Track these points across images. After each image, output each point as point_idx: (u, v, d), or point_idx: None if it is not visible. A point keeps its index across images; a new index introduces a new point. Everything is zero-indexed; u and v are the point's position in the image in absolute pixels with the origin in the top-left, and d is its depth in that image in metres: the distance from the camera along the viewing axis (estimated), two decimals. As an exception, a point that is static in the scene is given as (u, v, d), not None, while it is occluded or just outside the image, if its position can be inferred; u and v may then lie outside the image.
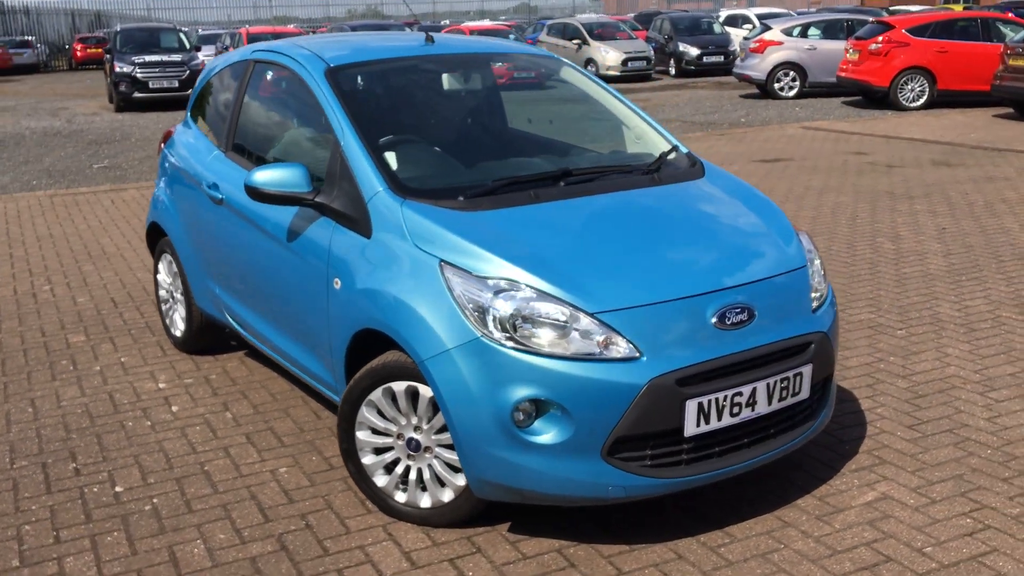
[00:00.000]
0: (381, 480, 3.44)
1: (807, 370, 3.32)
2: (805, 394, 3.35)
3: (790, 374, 3.27)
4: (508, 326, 3.04)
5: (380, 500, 3.46)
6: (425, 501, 3.38)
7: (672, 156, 4.12)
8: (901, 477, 3.71)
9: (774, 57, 19.11)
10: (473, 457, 3.12)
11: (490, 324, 3.05)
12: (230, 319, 4.68)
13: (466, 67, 4.52)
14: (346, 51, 4.21)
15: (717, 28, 27.10)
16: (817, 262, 3.68)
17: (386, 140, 3.91)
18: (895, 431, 4.11)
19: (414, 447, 3.35)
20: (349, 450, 3.47)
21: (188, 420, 4.42)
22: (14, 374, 5.07)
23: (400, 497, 3.42)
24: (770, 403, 3.24)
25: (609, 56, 25.18)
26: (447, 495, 3.33)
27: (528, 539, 3.32)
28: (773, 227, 3.66)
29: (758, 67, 19.27)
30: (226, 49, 24.48)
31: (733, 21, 30.26)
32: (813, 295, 3.52)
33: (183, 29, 25.48)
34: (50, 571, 3.20)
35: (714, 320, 3.16)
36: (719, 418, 3.12)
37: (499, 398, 3.01)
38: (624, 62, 25.06)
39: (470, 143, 4.14)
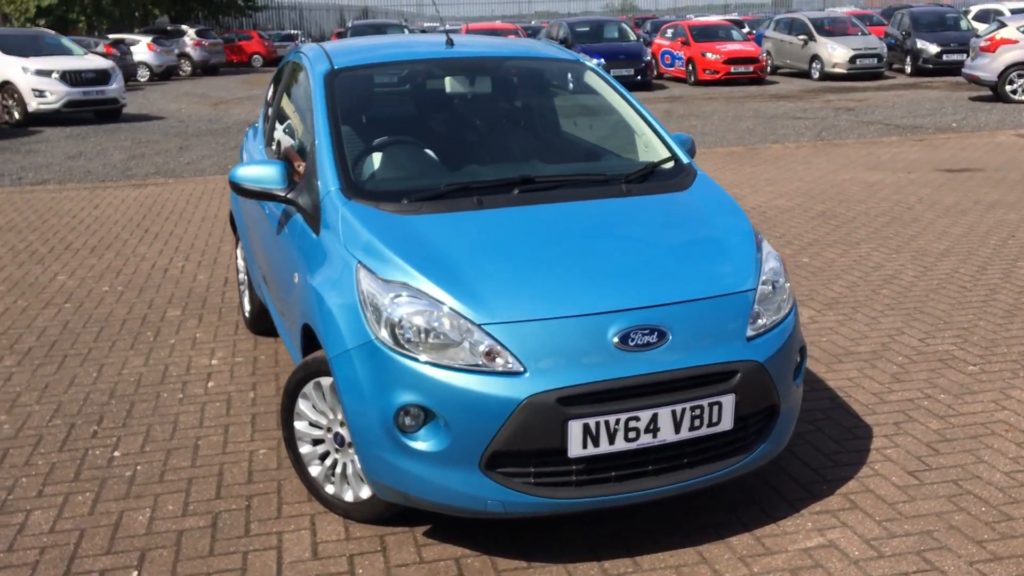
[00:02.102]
0: (315, 470, 3.56)
1: (727, 400, 3.12)
2: (727, 425, 3.14)
3: (704, 403, 3.09)
4: (397, 331, 3.07)
5: (314, 490, 3.59)
6: (348, 495, 3.47)
7: (668, 166, 3.97)
8: (863, 526, 3.40)
9: (1007, 57, 17.46)
10: (365, 457, 3.19)
11: (382, 328, 3.10)
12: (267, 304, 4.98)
13: (475, 71, 4.53)
14: (360, 54, 4.36)
15: (964, 24, 25.08)
16: (781, 288, 3.44)
17: (379, 142, 4.02)
18: (891, 475, 3.76)
19: (339, 442, 3.45)
20: (289, 439, 3.62)
21: (215, 396, 4.75)
22: (103, 340, 5.62)
23: (329, 489, 3.53)
24: (677, 431, 3.07)
25: (836, 53, 23.94)
26: (365, 492, 3.41)
27: (435, 544, 3.34)
28: (727, 248, 3.46)
29: (988, 67, 17.69)
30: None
31: (985, 17, 27.84)
32: (759, 322, 3.29)
33: (409, 26, 26.70)
34: (15, 521, 3.58)
35: (615, 340, 3.04)
36: (611, 442, 3.00)
37: (385, 402, 3.06)
38: (852, 59, 23.73)
39: (456, 147, 4.17)
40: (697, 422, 3.09)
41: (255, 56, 39.80)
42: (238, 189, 3.87)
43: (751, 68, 23.16)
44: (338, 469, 3.50)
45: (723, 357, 3.15)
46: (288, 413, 3.59)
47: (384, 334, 3.08)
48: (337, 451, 3.49)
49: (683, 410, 3.06)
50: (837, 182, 10.19)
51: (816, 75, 24.40)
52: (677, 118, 16.66)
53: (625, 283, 3.19)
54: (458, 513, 3.12)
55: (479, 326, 3.02)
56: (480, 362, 3.00)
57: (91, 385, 4.93)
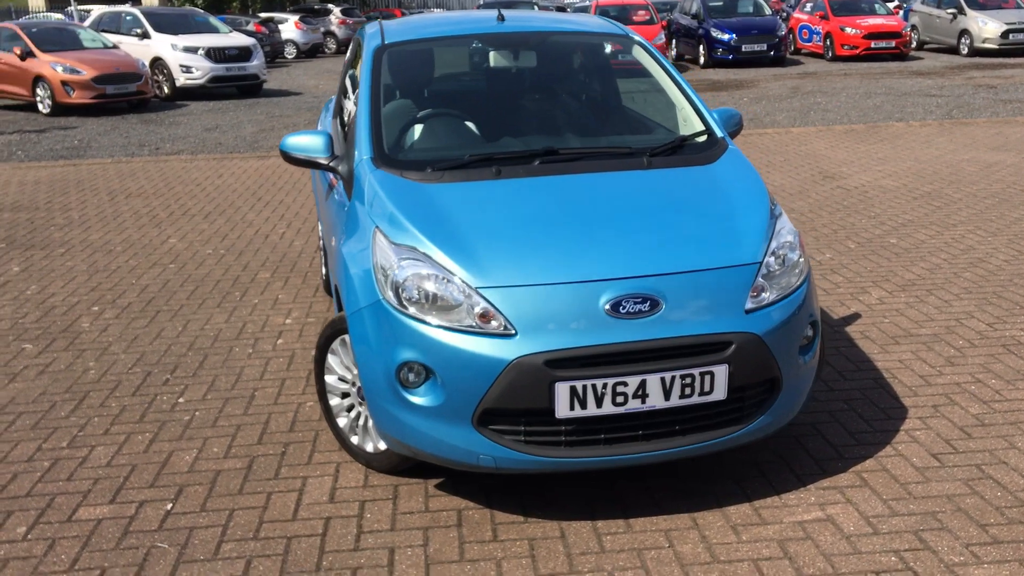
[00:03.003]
0: (342, 422, 3.80)
1: (720, 370, 3.17)
2: (719, 395, 3.19)
3: (695, 372, 3.15)
4: (400, 291, 3.25)
5: (341, 440, 3.82)
6: (369, 446, 3.69)
7: (700, 140, 4.01)
8: (867, 503, 3.39)
9: None
10: (373, 410, 3.39)
11: (388, 288, 3.29)
12: None
13: (521, 45, 4.64)
14: (414, 30, 4.54)
15: None
16: (792, 263, 3.45)
17: (420, 113, 4.21)
18: (912, 456, 3.71)
19: (362, 396, 3.68)
20: (320, 391, 3.86)
21: (280, 352, 5.07)
22: (195, 298, 6.04)
23: (354, 439, 3.76)
24: (667, 398, 3.15)
25: (987, 27, 22.67)
26: (383, 443, 3.63)
27: (442, 496, 3.53)
28: (736, 221, 3.48)
29: None
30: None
31: None
32: (763, 295, 3.31)
33: (539, 2, 26.64)
34: (80, 454, 3.97)
35: (606, 307, 3.14)
36: (598, 405, 3.11)
37: (388, 358, 3.25)
38: (1004, 34, 22.42)
39: (494, 119, 4.29)
40: (688, 390, 3.16)
41: (398, 33, 40.57)
42: (286, 157, 4.13)
43: (893, 43, 22.22)
44: (360, 421, 3.72)
45: (716, 328, 3.20)
46: (320, 367, 3.83)
47: (389, 294, 3.27)
48: (360, 404, 3.71)
49: (672, 378, 3.13)
50: (953, 162, 9.78)
51: (965, 51, 23.19)
52: (803, 95, 16.22)
53: (620, 253, 3.28)
54: (453, 466, 3.29)
55: (475, 289, 3.18)
56: (475, 323, 3.15)
57: (174, 338, 5.34)
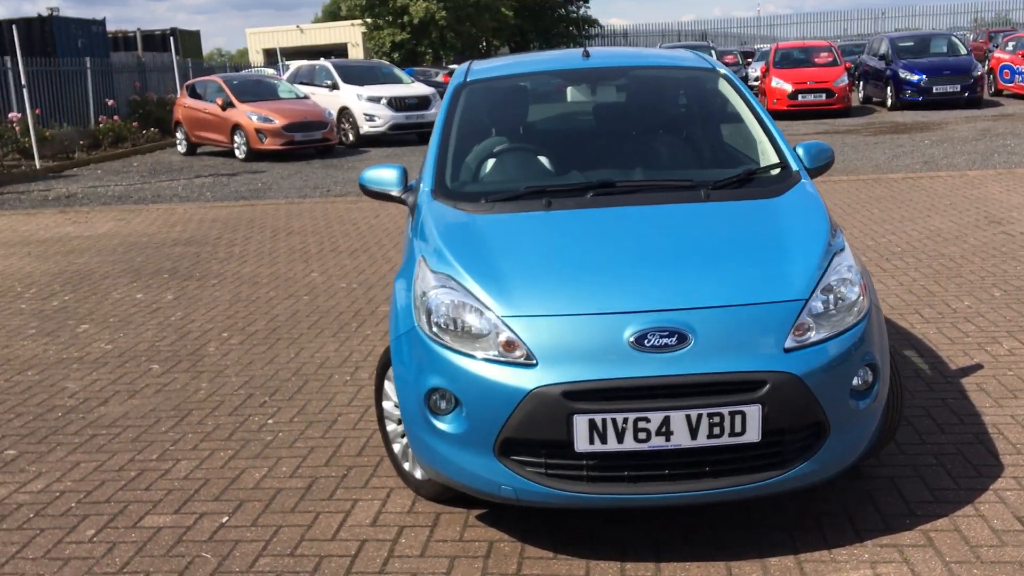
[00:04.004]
0: (396, 447, 3.86)
1: (752, 410, 3.01)
2: (752, 437, 3.03)
3: (724, 411, 3.01)
4: (432, 318, 3.30)
5: (396, 466, 3.89)
6: (419, 473, 3.74)
7: (773, 173, 3.88)
8: (925, 565, 3.12)
9: None
10: (408, 434, 3.44)
11: (422, 315, 3.34)
12: None
13: (602, 80, 4.61)
14: (500, 69, 4.63)
15: None
16: (849, 302, 3.25)
17: (493, 147, 4.28)
18: (994, 518, 3.38)
19: (409, 421, 3.73)
20: (379, 417, 3.95)
21: (372, 383, 5.21)
22: (315, 328, 6.32)
23: (406, 465, 3.81)
24: (694, 437, 3.02)
25: None
26: (430, 471, 3.66)
27: (480, 527, 3.52)
28: (787, 257, 3.33)
29: None
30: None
31: None
32: (808, 334, 3.13)
33: (715, 47, 26.36)
34: (165, 467, 4.21)
35: (631, 340, 3.06)
36: (619, 440, 3.02)
37: (419, 383, 3.30)
38: None
39: (566, 153, 4.28)
40: (717, 430, 3.02)
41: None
42: (363, 189, 4.29)
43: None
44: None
45: (749, 366, 3.05)
46: (379, 393, 3.92)
47: (423, 321, 3.33)
48: (410, 431, 3.76)
49: (699, 416, 3.01)
50: None
51: None
52: (992, 137, 15.21)
53: (649, 285, 3.19)
54: (477, 495, 3.28)
55: (501, 318, 3.18)
56: (499, 352, 3.15)
57: (284, 364, 5.60)
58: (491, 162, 4.23)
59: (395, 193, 4.19)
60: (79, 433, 4.67)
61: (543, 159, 4.24)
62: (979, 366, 4.93)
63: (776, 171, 3.91)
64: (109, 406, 5.03)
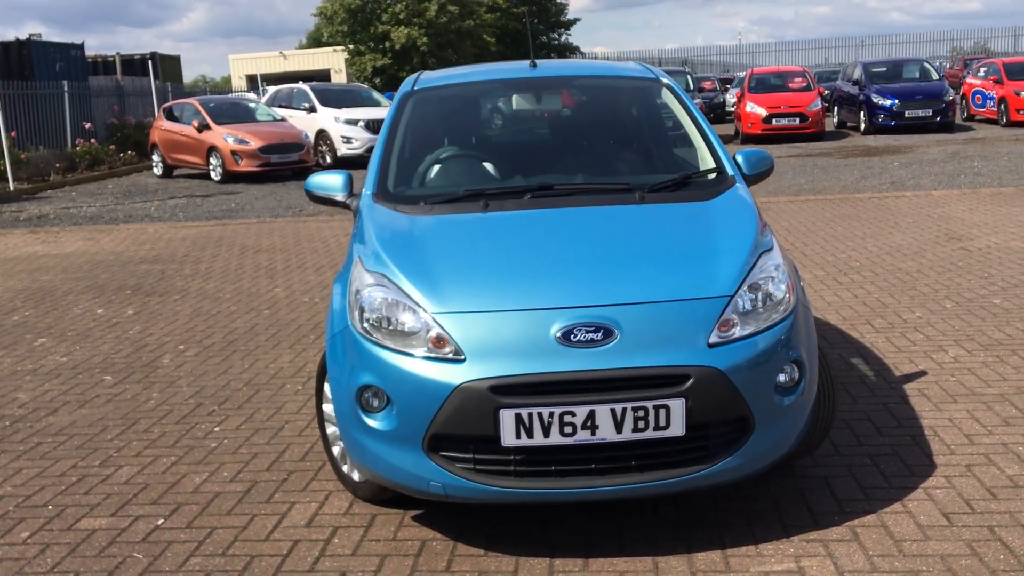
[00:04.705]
0: (335, 450, 3.87)
1: (676, 404, 3.04)
2: (677, 431, 3.06)
3: (648, 405, 3.04)
4: (364, 316, 3.33)
5: (335, 468, 3.89)
6: (356, 475, 3.74)
7: (710, 177, 3.94)
8: (849, 559, 3.15)
9: None
10: (342, 434, 3.46)
11: (356, 313, 3.37)
12: None
13: (547, 89, 4.67)
14: (448, 78, 4.69)
15: None
16: (776, 300, 3.30)
17: (436, 152, 4.33)
18: (921, 515, 3.42)
19: (348, 422, 3.74)
20: (320, 420, 3.96)
21: (326, 391, 5.22)
22: (272, 340, 6.31)
23: (344, 468, 3.82)
24: (619, 431, 3.05)
25: None
26: (366, 473, 3.67)
27: (414, 527, 3.53)
28: (713, 255, 3.38)
29: None
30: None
31: None
32: (733, 331, 3.18)
33: (692, 73, 26.44)
34: (107, 472, 4.21)
35: (558, 335, 3.10)
36: (545, 435, 3.05)
37: (350, 381, 3.32)
38: None
39: (509, 158, 4.33)
40: (641, 424, 3.05)
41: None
42: (309, 195, 4.32)
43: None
44: (350, 450, 3.78)
45: (673, 360, 3.09)
46: (319, 396, 3.94)
47: (356, 319, 3.35)
48: (349, 433, 3.77)
49: (624, 410, 3.04)
50: (1101, 224, 9.02)
51: None
52: (960, 159, 15.40)
53: (576, 282, 3.24)
54: (406, 492, 3.29)
55: (432, 315, 3.21)
56: (428, 348, 3.17)
57: (237, 375, 5.60)
58: (435, 168, 4.28)
59: (339, 198, 4.23)
60: (24, 441, 4.65)
61: (487, 165, 4.29)
62: (923, 372, 4.98)
63: (712, 176, 3.97)
64: (58, 415, 5.02)
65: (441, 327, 3.17)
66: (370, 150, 19.89)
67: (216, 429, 4.70)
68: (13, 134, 17.95)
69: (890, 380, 4.90)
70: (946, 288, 6.80)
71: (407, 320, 3.25)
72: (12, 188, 16.66)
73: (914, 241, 8.69)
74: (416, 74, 4.97)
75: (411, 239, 3.58)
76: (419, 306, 3.25)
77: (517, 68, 4.85)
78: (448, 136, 4.56)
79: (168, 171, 19.35)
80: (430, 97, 4.61)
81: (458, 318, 3.18)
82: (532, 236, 3.55)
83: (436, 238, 3.57)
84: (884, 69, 22.45)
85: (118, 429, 4.76)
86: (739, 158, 4.19)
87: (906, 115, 20.66)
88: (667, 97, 4.57)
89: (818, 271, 7.56)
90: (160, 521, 3.69)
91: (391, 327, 3.27)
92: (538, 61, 4.75)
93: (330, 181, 4.27)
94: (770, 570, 3.11)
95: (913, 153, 16.91)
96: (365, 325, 3.32)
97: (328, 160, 19.75)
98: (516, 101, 4.71)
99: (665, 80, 4.65)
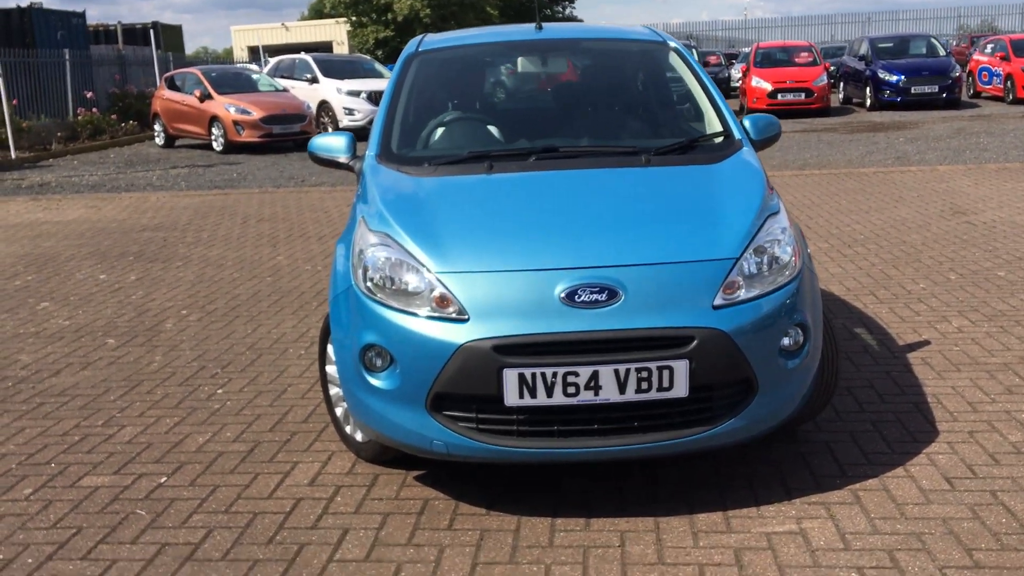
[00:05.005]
0: (339, 411, 3.87)
1: (680, 365, 3.04)
2: (680, 392, 3.06)
3: (652, 366, 3.03)
4: (368, 275, 3.31)
5: (338, 429, 3.90)
6: (359, 435, 3.74)
7: (716, 141, 3.92)
8: (851, 520, 3.15)
9: None
10: (345, 392, 3.45)
11: (359, 273, 3.36)
12: None
13: (552, 51, 4.64)
14: (453, 39, 4.65)
15: None
16: (782, 264, 3.29)
17: (442, 114, 4.30)
18: (923, 479, 3.42)
19: (352, 383, 3.74)
20: (323, 381, 3.96)
21: (329, 355, 5.22)
22: (275, 307, 6.30)
23: (347, 428, 3.82)
24: (622, 392, 3.04)
25: None
26: (369, 433, 3.67)
27: (416, 487, 3.53)
28: (719, 217, 3.36)
29: None
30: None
31: None
32: (738, 293, 3.16)
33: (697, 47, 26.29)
34: (109, 432, 4.21)
35: (562, 296, 3.08)
36: (548, 394, 3.04)
37: (354, 341, 3.31)
38: None
39: (513, 121, 4.31)
40: (644, 385, 3.05)
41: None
42: (312, 157, 4.30)
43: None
44: (353, 411, 3.78)
45: (678, 322, 3.07)
46: (322, 358, 3.93)
47: (360, 279, 3.34)
48: (352, 393, 3.77)
49: (627, 371, 3.03)
50: (1107, 200, 8.98)
51: None
52: (966, 135, 15.32)
53: (581, 243, 3.22)
54: (409, 451, 3.29)
55: (436, 275, 3.20)
56: (432, 308, 3.16)
57: (240, 339, 5.60)
58: (439, 130, 4.25)
59: (343, 160, 4.21)
60: (27, 401, 4.66)
61: (491, 127, 4.26)
62: (926, 342, 4.97)
63: (719, 139, 3.94)
64: (60, 377, 5.02)
65: (445, 287, 3.16)
66: (372, 122, 19.82)
67: (219, 391, 4.70)
68: (15, 102, 17.88)
69: (893, 349, 4.89)
70: (950, 261, 6.78)
71: (411, 280, 3.24)
72: (14, 156, 16.62)
73: (919, 215, 8.66)
74: (420, 36, 4.93)
75: (415, 200, 3.56)
76: (423, 266, 3.23)
77: (522, 30, 4.81)
78: (452, 98, 4.53)
79: (170, 141, 19.29)
80: (434, 59, 4.57)
81: (462, 278, 3.17)
82: (536, 198, 3.54)
83: (440, 199, 3.55)
84: (891, 45, 22.31)
85: (121, 390, 4.76)
86: (747, 123, 4.16)
87: (912, 91, 20.54)
88: (674, 60, 4.53)
89: (822, 243, 7.54)
90: (163, 479, 3.70)
91: (395, 287, 3.26)
92: (544, 24, 4.71)
93: (334, 143, 4.24)
94: (772, 531, 3.11)
95: (919, 129, 16.83)
96: (369, 285, 3.31)
97: (330, 131, 19.66)
98: (521, 63, 4.67)
99: (672, 43, 4.60)
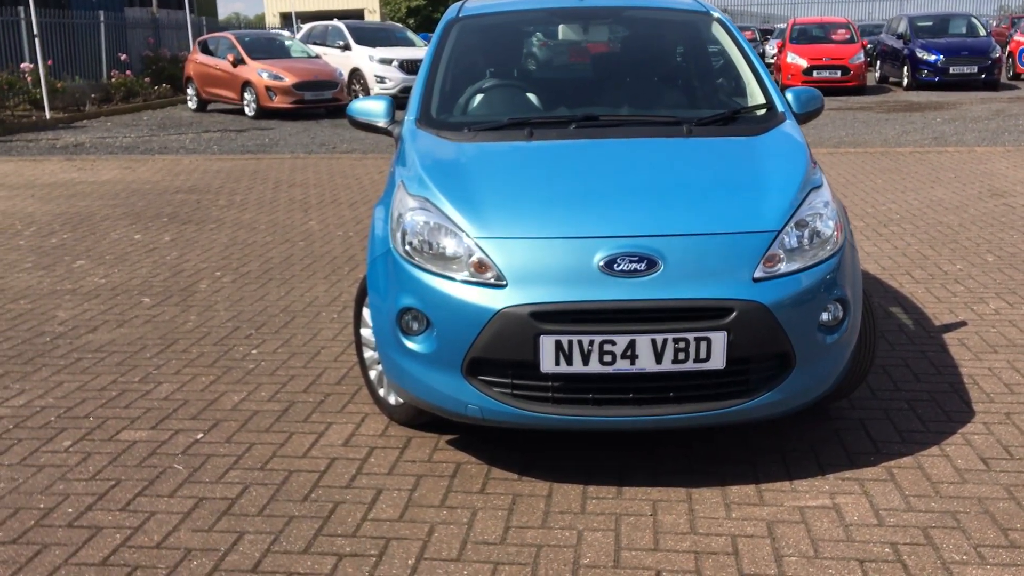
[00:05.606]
0: (373, 374, 3.89)
1: (718, 337, 3.03)
2: (717, 363, 3.05)
3: (690, 336, 3.03)
4: (406, 239, 3.32)
5: (372, 391, 3.92)
6: (392, 398, 3.77)
7: (759, 113, 3.88)
8: (885, 497, 3.14)
9: None
10: (381, 355, 3.48)
11: (398, 237, 3.36)
12: None
13: (594, 19, 4.60)
14: (492, 4, 4.62)
15: None
16: (823, 237, 3.26)
17: (482, 80, 4.29)
18: (958, 458, 3.41)
19: (386, 345, 3.76)
20: (357, 344, 3.98)
21: (361, 320, 5.24)
22: (308, 271, 6.33)
23: (381, 391, 3.85)
24: (659, 362, 3.04)
25: None
26: (402, 395, 3.69)
27: (449, 450, 3.56)
28: (762, 190, 3.34)
29: None
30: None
31: None
32: (779, 266, 3.14)
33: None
34: (146, 388, 4.27)
35: (601, 264, 3.08)
36: (585, 362, 3.04)
37: (391, 304, 3.33)
38: None
39: (554, 88, 4.29)
40: (682, 355, 3.04)
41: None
42: (351, 121, 4.30)
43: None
44: (387, 374, 3.81)
45: (717, 293, 3.06)
46: (357, 320, 3.95)
47: (398, 242, 3.35)
48: (386, 356, 3.79)
49: (664, 341, 3.03)
50: None
51: None
52: (1005, 117, 15.08)
53: (621, 212, 3.21)
54: (444, 414, 3.31)
55: (475, 240, 3.20)
56: (470, 273, 3.17)
57: (274, 302, 5.64)
58: (479, 96, 4.24)
59: (382, 124, 4.21)
60: (65, 356, 4.72)
61: (531, 95, 4.24)
62: (963, 323, 4.93)
63: (762, 112, 3.90)
64: (97, 333, 5.08)
65: (483, 252, 3.17)
66: (404, 90, 19.81)
67: (253, 351, 4.74)
68: (50, 62, 18.00)
69: (929, 329, 4.85)
70: (988, 243, 6.70)
71: (449, 244, 3.25)
72: (48, 116, 16.74)
73: (956, 196, 8.55)
74: (461, 1, 4.90)
75: (454, 165, 3.56)
76: (461, 231, 3.24)
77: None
78: (492, 64, 4.51)
79: (202, 105, 19.34)
80: (475, 25, 4.54)
81: (500, 244, 3.17)
82: (576, 165, 3.52)
83: (480, 164, 3.55)
84: (930, 23, 21.94)
85: (157, 348, 4.81)
86: (789, 95, 4.12)
87: (950, 71, 20.22)
88: (718, 31, 4.48)
89: (858, 222, 7.47)
90: (199, 436, 3.74)
91: (433, 251, 3.27)
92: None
93: (372, 107, 4.24)
94: (805, 505, 3.11)
95: (956, 110, 16.59)
96: (407, 248, 3.32)
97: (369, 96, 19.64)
98: (563, 31, 4.64)
99: (716, 14, 4.55)
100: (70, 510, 3.17)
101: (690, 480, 3.29)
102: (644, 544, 2.90)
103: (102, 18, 21.52)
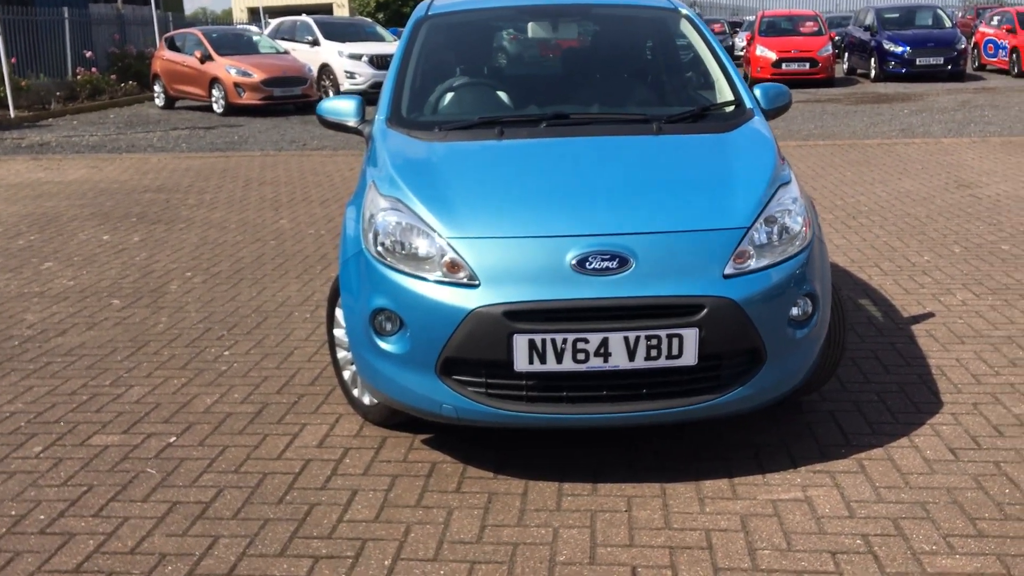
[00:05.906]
0: (346, 374, 3.89)
1: (689, 333, 3.05)
2: (689, 360, 3.08)
3: (661, 333, 3.05)
4: (378, 240, 3.32)
5: (345, 392, 3.92)
6: (367, 399, 3.76)
7: (728, 110, 3.90)
8: (855, 489, 3.18)
9: None
10: (354, 356, 3.47)
11: (370, 237, 3.36)
12: None
13: (562, 17, 4.61)
14: (461, 2, 4.62)
15: None
16: (792, 233, 3.30)
17: (451, 79, 4.28)
18: (927, 449, 3.46)
19: (360, 346, 3.75)
20: (331, 344, 3.97)
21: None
22: (279, 270, 6.31)
23: (355, 392, 3.84)
24: (632, 359, 3.06)
25: None
26: (377, 396, 3.69)
27: (424, 450, 3.56)
28: (730, 186, 3.37)
29: None
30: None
31: None
32: (748, 262, 3.17)
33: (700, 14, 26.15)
34: (118, 391, 4.23)
35: (573, 263, 3.09)
36: (558, 361, 3.06)
37: (364, 305, 3.32)
38: None
39: (523, 87, 4.29)
40: (654, 352, 3.06)
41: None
42: (321, 120, 4.28)
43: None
44: (361, 374, 3.80)
45: (688, 290, 3.09)
46: (331, 321, 3.94)
47: (370, 243, 3.35)
48: (360, 357, 3.79)
49: (637, 338, 3.04)
50: (1111, 175, 8.97)
51: None
52: (970, 108, 15.27)
53: (592, 210, 3.23)
54: (418, 414, 3.31)
55: (447, 240, 3.20)
56: (443, 273, 3.17)
57: (245, 302, 5.61)
58: (449, 95, 4.23)
59: (352, 124, 4.19)
60: (34, 360, 4.68)
61: (501, 93, 4.25)
62: (931, 314, 4.99)
63: (731, 108, 3.93)
64: (66, 336, 5.04)
65: (456, 252, 3.17)
66: (374, 86, 19.73)
67: (226, 353, 4.72)
68: (13, 60, 17.75)
69: (897, 321, 4.91)
70: (955, 233, 6.79)
71: (421, 245, 3.25)
72: (13, 115, 16.52)
73: (923, 187, 8.65)
74: (440, 2, 4.90)
75: (426, 164, 3.56)
76: (433, 231, 3.24)
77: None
78: (462, 63, 4.51)
79: (170, 102, 19.16)
80: (444, 23, 4.54)
81: (473, 243, 3.17)
82: (547, 164, 3.53)
83: (451, 164, 3.55)
84: (896, 15, 22.15)
85: (128, 351, 4.78)
86: (757, 92, 4.15)
87: (917, 63, 20.43)
88: (686, 28, 4.50)
89: (827, 215, 7.54)
90: (172, 439, 3.72)
91: (405, 251, 3.27)
92: (556, -13, 4.68)
93: (342, 106, 4.23)
94: (777, 498, 3.15)
95: (923, 101, 16.76)
96: (379, 249, 3.31)
97: (331, 95, 19.56)
98: (532, 29, 4.64)
99: (684, 11, 4.57)
100: (42, 517, 3.15)
101: (664, 476, 3.31)
102: (619, 540, 2.92)
103: (66, 15, 21.25)
